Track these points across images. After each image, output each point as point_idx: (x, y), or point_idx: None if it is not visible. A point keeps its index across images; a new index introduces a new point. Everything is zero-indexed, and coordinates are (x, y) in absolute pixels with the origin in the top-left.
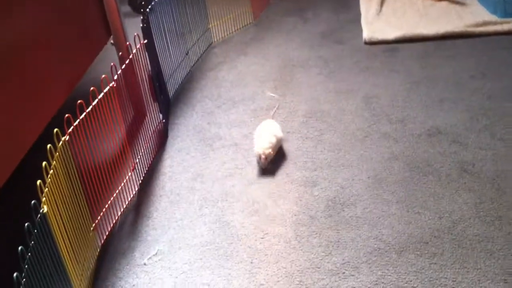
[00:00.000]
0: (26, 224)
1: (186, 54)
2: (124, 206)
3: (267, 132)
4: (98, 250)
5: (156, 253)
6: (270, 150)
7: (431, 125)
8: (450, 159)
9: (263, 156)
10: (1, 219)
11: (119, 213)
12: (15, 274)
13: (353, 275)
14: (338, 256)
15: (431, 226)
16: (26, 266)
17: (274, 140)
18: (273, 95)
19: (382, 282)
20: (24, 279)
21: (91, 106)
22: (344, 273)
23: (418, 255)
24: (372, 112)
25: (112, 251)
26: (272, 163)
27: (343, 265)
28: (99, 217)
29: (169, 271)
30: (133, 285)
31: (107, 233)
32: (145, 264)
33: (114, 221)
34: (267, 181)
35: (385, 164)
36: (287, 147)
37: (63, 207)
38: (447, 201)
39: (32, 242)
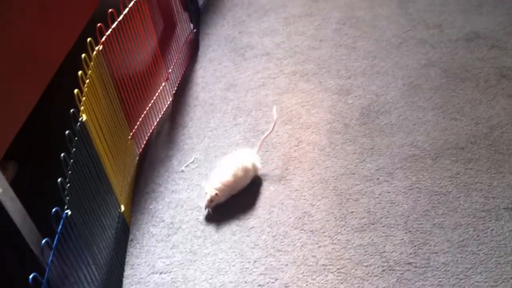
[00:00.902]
0: (66, 132)
1: None
2: (160, 116)
3: (229, 168)
4: (137, 158)
5: (193, 161)
6: (215, 192)
7: (469, 29)
8: (488, 65)
9: (207, 197)
10: (41, 128)
11: (155, 123)
12: (59, 179)
13: (387, 181)
14: (372, 163)
15: (468, 132)
16: (69, 172)
17: (228, 180)
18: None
19: (417, 187)
20: (68, 184)
21: (122, 15)
22: (378, 178)
23: (454, 161)
24: (408, 18)
25: (150, 159)
26: (217, 211)
27: (378, 171)
28: (136, 126)
29: (206, 178)
30: (172, 191)
31: (144, 142)
32: (182, 171)
33: (150, 131)
34: (300, 90)
35: (421, 70)
36: (320, 55)
37: (100, 116)
38: (484, 107)
39: (74, 149)
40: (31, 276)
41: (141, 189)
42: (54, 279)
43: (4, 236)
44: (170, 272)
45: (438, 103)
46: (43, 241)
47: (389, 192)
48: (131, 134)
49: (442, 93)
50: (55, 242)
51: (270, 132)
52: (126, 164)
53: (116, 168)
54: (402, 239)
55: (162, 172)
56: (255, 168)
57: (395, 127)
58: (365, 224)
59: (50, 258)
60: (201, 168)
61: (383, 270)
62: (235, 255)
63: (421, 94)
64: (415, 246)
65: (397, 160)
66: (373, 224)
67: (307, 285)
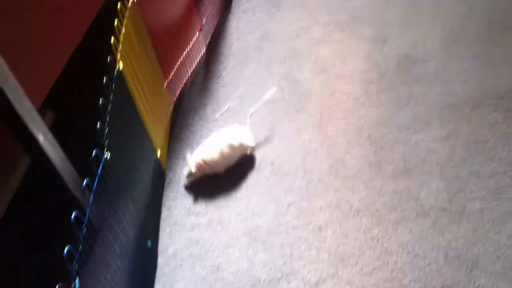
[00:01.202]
0: (104, 79)
1: None
2: (194, 65)
3: (216, 145)
4: (172, 106)
5: (227, 109)
6: (194, 169)
7: None
8: None
9: (184, 171)
10: (79, 77)
11: (189, 72)
12: (98, 124)
13: (423, 129)
14: (408, 111)
15: (507, 82)
16: (107, 117)
17: (211, 159)
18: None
19: (454, 136)
20: (107, 129)
21: None
22: (414, 127)
23: (492, 110)
24: None
25: (185, 107)
26: (193, 185)
27: (414, 119)
28: (170, 76)
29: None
30: (206, 138)
31: (179, 90)
32: (217, 119)
33: (185, 80)
34: (335, 40)
35: (462, 19)
36: (355, 5)
37: (136, 65)
38: None
39: (111, 96)
40: (73, 216)
41: (176, 136)
42: (94, 220)
43: (46, 180)
44: (206, 214)
45: (478, 52)
46: (84, 183)
47: (425, 141)
48: (166, 83)
49: (482, 42)
50: (95, 184)
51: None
52: (162, 112)
53: (152, 116)
54: (437, 186)
55: (197, 120)
56: (242, 147)
57: (432, 76)
58: (400, 171)
59: (91, 199)
60: (235, 117)
61: (417, 215)
62: (269, 199)
63: (461, 43)
64: (450, 193)
65: (434, 109)
66: (408, 171)
67: (340, 227)
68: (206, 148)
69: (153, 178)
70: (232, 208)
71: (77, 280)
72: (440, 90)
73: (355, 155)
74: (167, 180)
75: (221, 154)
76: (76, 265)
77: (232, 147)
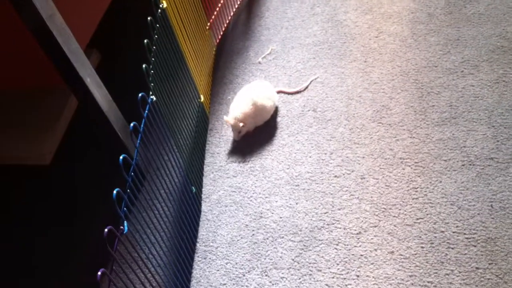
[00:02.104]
0: (148, 18)
1: None
2: (236, 6)
3: (247, 98)
4: (214, 49)
5: (270, 52)
6: (241, 124)
7: None
8: None
9: (235, 130)
10: (122, 17)
11: (232, 13)
12: (144, 65)
13: (472, 74)
14: (457, 55)
15: None
16: (152, 59)
17: (249, 110)
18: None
19: (504, 81)
20: (151, 71)
21: None
22: (462, 71)
23: None
24: None
25: (227, 50)
26: (248, 135)
27: (462, 63)
28: (213, 17)
29: (283, 70)
30: (249, 82)
31: (221, 32)
32: (259, 62)
33: (227, 21)
34: None
35: None
36: None
37: (179, 4)
38: None
39: (156, 36)
40: (121, 157)
41: (219, 80)
42: (141, 164)
43: (92, 122)
44: (248, 161)
45: None
46: (131, 125)
47: (473, 86)
48: (209, 24)
49: None
50: (142, 125)
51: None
52: (205, 55)
53: (195, 58)
54: (484, 134)
55: (239, 63)
56: (264, 100)
57: (483, 17)
58: (446, 118)
59: (138, 141)
60: (278, 60)
61: (463, 165)
62: (312, 147)
63: None
64: (498, 141)
65: (484, 52)
66: (455, 118)
67: (383, 177)
68: (240, 103)
69: (197, 123)
70: (274, 155)
71: (125, 223)
72: (490, 32)
73: (400, 101)
74: (210, 125)
75: (256, 106)
76: (124, 208)
77: (256, 106)
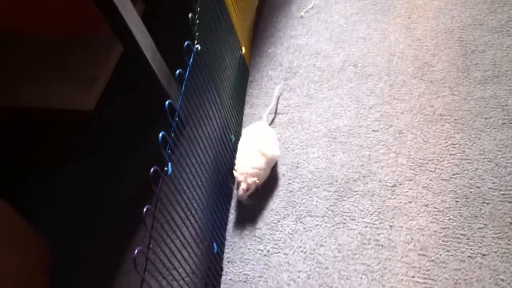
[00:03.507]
0: None
1: None
2: None
3: (254, 149)
4: (257, 2)
5: (312, 7)
6: (255, 178)
7: None
8: None
9: (243, 186)
10: None
11: None
12: (190, 14)
13: None
14: (503, 14)
15: None
16: (198, 8)
17: (260, 162)
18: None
19: None
20: (197, 20)
21: None
22: (508, 30)
23: None
24: None
25: (269, 4)
26: (256, 198)
27: (508, 22)
28: None
29: (325, 24)
30: (291, 36)
31: None
32: (301, 17)
33: None
34: None
35: None
36: None
37: None
38: None
39: None
40: (167, 102)
41: (260, 33)
42: (185, 110)
43: (136, 70)
44: (287, 113)
45: None
46: (177, 72)
47: None
48: None
49: None
50: (187, 73)
51: (272, 107)
52: (247, 7)
53: (238, 10)
54: None
55: (281, 18)
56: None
57: None
58: (488, 77)
59: (183, 88)
60: (320, 14)
61: (503, 123)
62: (351, 101)
63: None
64: None
65: None
66: (498, 77)
67: (422, 132)
68: (248, 156)
69: (237, 74)
70: (313, 108)
71: (169, 165)
72: None
73: (443, 58)
74: (250, 77)
75: (267, 158)
76: (169, 151)
77: (267, 157)
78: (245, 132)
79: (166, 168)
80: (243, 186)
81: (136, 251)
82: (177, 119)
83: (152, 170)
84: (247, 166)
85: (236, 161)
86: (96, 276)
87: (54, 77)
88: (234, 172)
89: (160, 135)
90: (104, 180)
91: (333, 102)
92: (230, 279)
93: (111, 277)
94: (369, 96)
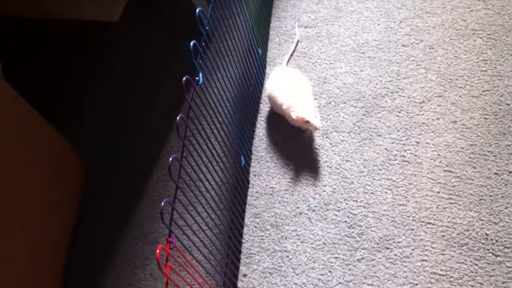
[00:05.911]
0: None
1: None
2: None
3: (301, 89)
4: None
5: None
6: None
7: None
8: None
9: (316, 123)
10: None
11: None
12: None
13: None
14: None
15: None
16: None
17: (311, 98)
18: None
19: None
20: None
21: None
22: None
23: None
24: None
25: None
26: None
27: None
28: None
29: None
30: None
31: None
32: None
33: None
34: None
35: None
36: None
37: None
38: None
39: None
40: (197, 11)
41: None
42: (215, 19)
43: None
44: (315, 26)
45: None
46: None
47: None
48: None
49: None
50: None
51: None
52: None
53: None
54: None
55: None
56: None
57: None
58: None
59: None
60: None
61: None
62: (381, 14)
63: None
64: None
65: None
66: None
67: (453, 48)
68: (300, 99)
69: None
70: (341, 22)
71: (200, 74)
72: None
73: None
74: None
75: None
76: (199, 60)
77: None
78: (277, 75)
79: (197, 78)
80: (316, 123)
81: (170, 159)
82: (207, 27)
83: (184, 79)
84: (306, 106)
85: (293, 104)
86: (129, 185)
87: None
88: (298, 116)
89: (192, 43)
90: (135, 96)
91: (363, 16)
92: (257, 192)
93: (144, 185)
94: (399, 9)
